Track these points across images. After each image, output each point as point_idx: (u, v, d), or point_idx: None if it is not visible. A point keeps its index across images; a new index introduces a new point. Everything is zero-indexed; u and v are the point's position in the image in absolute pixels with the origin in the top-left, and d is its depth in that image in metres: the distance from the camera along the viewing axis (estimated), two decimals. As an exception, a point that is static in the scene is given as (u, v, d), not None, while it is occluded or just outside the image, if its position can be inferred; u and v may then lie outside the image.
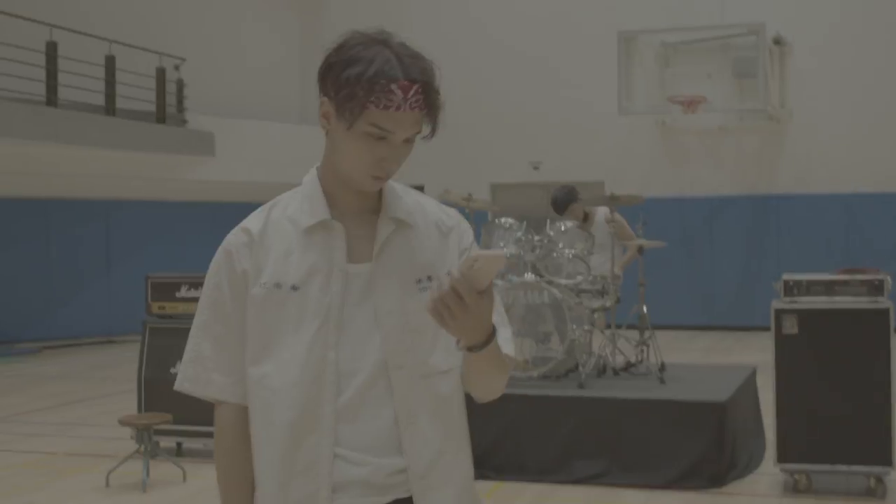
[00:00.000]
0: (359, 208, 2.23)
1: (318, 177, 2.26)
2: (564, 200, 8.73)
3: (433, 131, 2.18)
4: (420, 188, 16.62)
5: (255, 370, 2.20)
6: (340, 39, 2.15)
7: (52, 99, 14.67)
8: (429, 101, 2.13)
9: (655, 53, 17.31)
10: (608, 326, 8.27)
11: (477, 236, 7.93)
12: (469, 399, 2.32)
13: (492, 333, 2.11)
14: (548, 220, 8.23)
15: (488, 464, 7.12)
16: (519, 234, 8.01)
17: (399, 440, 2.15)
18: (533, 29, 18.34)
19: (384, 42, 2.13)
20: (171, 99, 17.02)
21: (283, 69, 19.88)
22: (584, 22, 17.98)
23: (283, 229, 2.22)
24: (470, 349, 2.10)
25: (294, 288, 2.17)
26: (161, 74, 16.72)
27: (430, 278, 2.22)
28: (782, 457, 6.74)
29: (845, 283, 6.76)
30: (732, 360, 12.77)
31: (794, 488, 6.83)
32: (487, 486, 6.97)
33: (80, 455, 8.21)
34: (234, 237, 2.25)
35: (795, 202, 17.18)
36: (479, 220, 8.33)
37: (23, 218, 16.15)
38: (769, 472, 7.10)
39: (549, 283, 7.91)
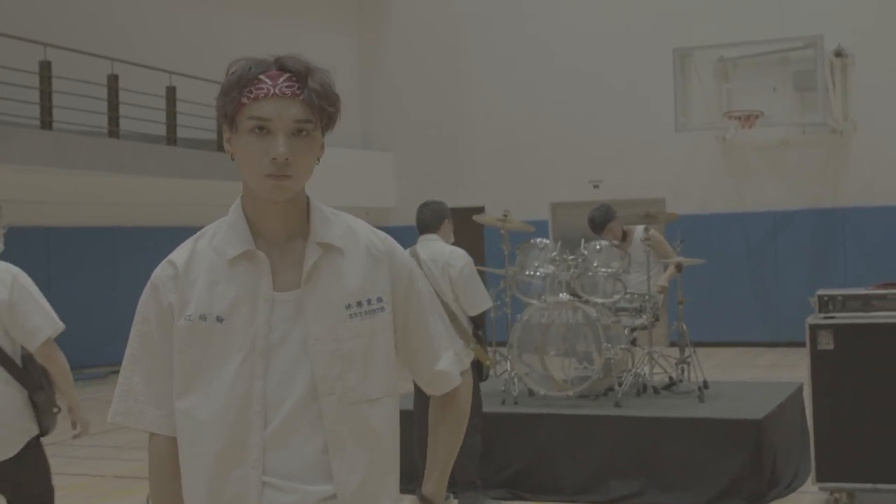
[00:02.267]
0: (285, 234, 2.22)
1: (242, 206, 2.25)
2: (602, 220, 8.69)
3: (327, 120, 2.18)
4: (480, 210, 16.70)
5: (181, 402, 2.21)
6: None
7: (113, 130, 15.03)
8: (306, 89, 2.13)
9: (713, 68, 17.17)
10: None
11: (512, 256, 7.97)
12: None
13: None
14: (582, 240, 8.21)
15: (524, 484, 7.11)
16: (554, 253, 8.00)
17: (328, 467, 2.15)
18: (590, 47, 18.30)
19: (266, 58, 2.18)
20: (232, 127, 17.30)
21: (343, 94, 19.80)
22: (642, 38, 17.89)
23: (209, 260, 2.23)
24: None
25: (219, 319, 2.17)
26: (222, 103, 17.01)
27: (359, 304, 2.21)
28: (821, 475, 6.59)
29: (882, 297, 6.62)
30: (795, 377, 12.55)
31: (834, 507, 6.70)
32: (522, 507, 6.94)
33: (127, 478, 8.37)
34: (160, 270, 2.27)
35: (861, 215, 16.85)
36: (515, 241, 8.32)
37: (89, 246, 16.53)
38: (810, 490, 6.96)
39: (585, 302, 7.88)
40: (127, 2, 17.10)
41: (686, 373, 8.26)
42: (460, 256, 6.71)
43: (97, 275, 16.60)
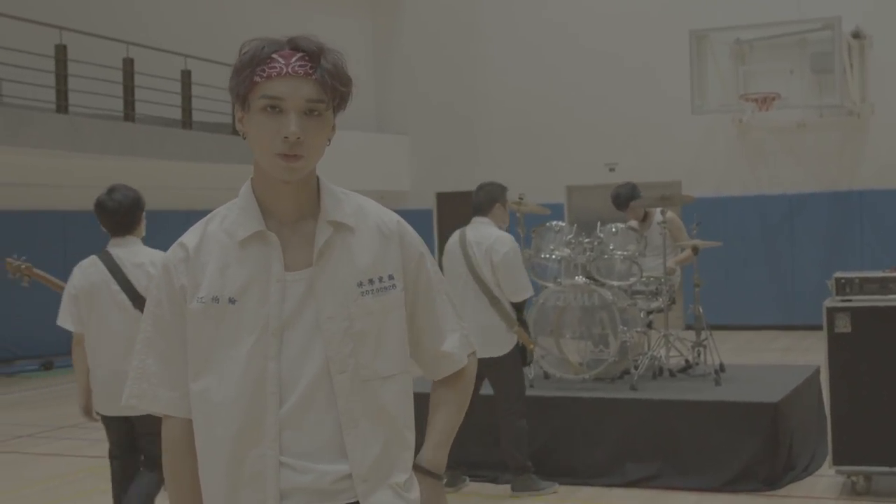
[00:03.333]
0: (296, 215, 2.22)
1: (252, 187, 2.26)
2: (627, 196, 8.68)
3: (339, 100, 2.18)
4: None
5: (195, 384, 2.21)
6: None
7: (129, 114, 15.05)
8: (319, 69, 2.14)
9: (730, 50, 17.08)
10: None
11: (528, 239, 7.95)
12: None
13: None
14: (598, 223, 8.19)
15: (540, 467, 7.10)
16: (569, 236, 7.98)
17: (343, 445, 2.16)
18: (606, 28, 18.21)
19: (279, 38, 2.18)
20: (247, 110, 17.32)
21: (357, 77, 19.91)
22: (658, 20, 17.79)
23: (220, 242, 2.23)
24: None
25: (231, 301, 2.18)
26: (236, 87, 17.04)
27: (371, 281, 2.22)
28: (838, 458, 6.59)
29: (899, 279, 6.59)
30: (811, 360, 12.52)
31: (851, 490, 6.69)
32: (537, 489, 6.95)
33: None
34: (171, 253, 2.27)
35: (878, 197, 16.74)
36: (531, 223, 8.31)
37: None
38: (827, 473, 6.95)
39: (601, 285, 7.87)
40: (142, -15, 17.10)
41: (702, 356, 8.24)
42: (504, 242, 6.72)
43: (113, 258, 16.63)
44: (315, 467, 2.14)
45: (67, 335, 5.52)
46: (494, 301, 6.68)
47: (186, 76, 16.04)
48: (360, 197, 2.33)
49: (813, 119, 17.12)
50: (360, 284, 2.21)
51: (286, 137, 2.10)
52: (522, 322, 6.80)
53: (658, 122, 17.87)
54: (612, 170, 18.17)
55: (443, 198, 19.89)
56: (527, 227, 8.28)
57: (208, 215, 2.31)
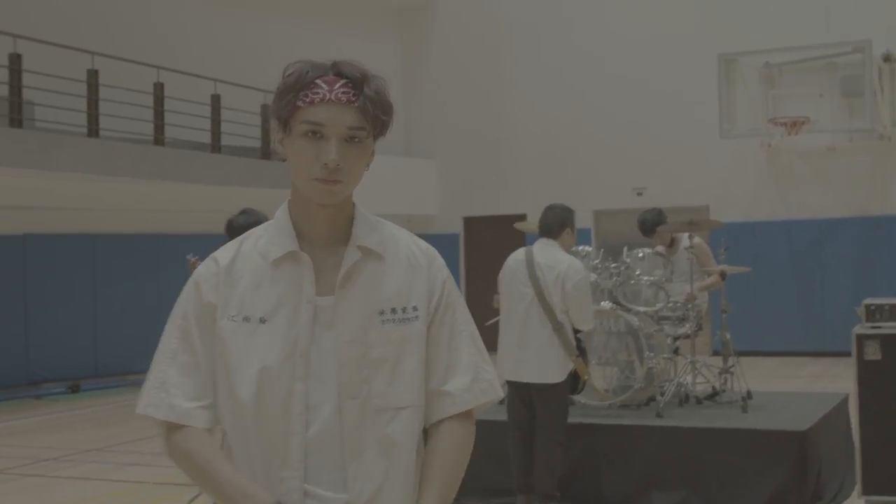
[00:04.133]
0: (330, 239, 2.23)
1: (288, 209, 2.27)
2: (653, 222, 8.62)
3: (380, 128, 2.20)
4: (523, 217, 16.65)
5: (225, 402, 2.20)
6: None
7: (159, 138, 15.16)
8: (362, 97, 2.14)
9: (759, 74, 17.01)
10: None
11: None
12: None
13: None
14: (625, 248, 8.15)
15: (565, 493, 7.04)
16: (596, 261, 7.94)
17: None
18: (634, 52, 18.21)
19: (324, 62, 2.18)
20: (276, 135, 17.41)
21: (385, 102, 20.13)
22: (686, 44, 17.77)
23: (253, 262, 2.23)
24: None
25: (262, 321, 2.17)
26: (266, 111, 17.14)
27: (393, 311, 2.21)
28: (867, 488, 6.52)
29: (930, 306, 6.52)
30: (840, 388, 12.39)
31: (881, 520, 6.59)
32: (561, 517, 6.89)
33: (167, 484, 8.41)
34: (203, 268, 2.28)
35: (909, 223, 16.60)
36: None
37: (134, 253, 16.67)
38: (856, 503, 6.85)
39: (627, 310, 7.82)
40: (171, 11, 17.25)
41: (729, 383, 8.16)
42: (578, 270, 6.70)
43: (141, 282, 16.73)
44: (320, 493, 2.13)
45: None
46: (558, 327, 6.64)
47: (216, 100, 16.16)
48: (394, 226, 2.33)
49: (842, 143, 17.01)
50: (382, 313, 2.20)
51: (326, 164, 2.12)
52: (582, 351, 6.78)
53: (686, 146, 17.81)
54: (639, 194, 18.12)
55: (470, 222, 19.91)
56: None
57: (243, 234, 2.33)
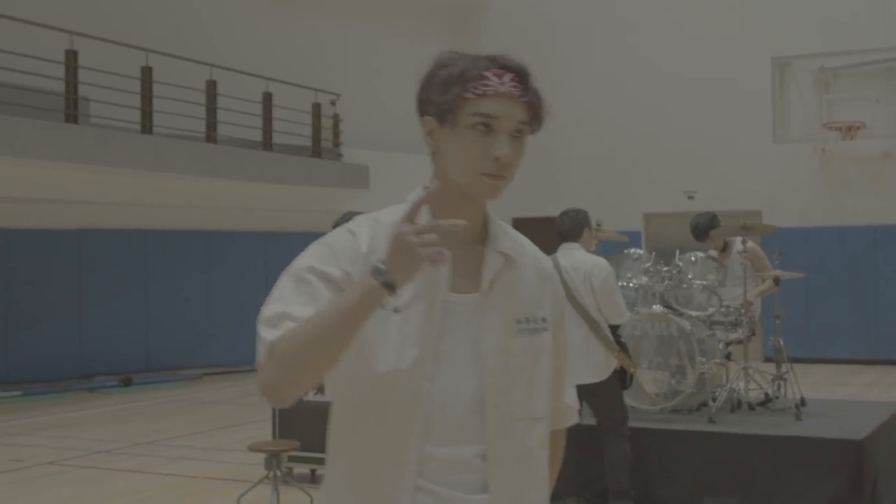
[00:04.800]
0: (464, 237, 2.12)
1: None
2: (706, 226, 8.54)
3: (538, 124, 2.14)
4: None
5: (358, 385, 2.11)
6: (429, 65, 2.16)
7: (211, 135, 15.28)
8: (526, 90, 2.11)
9: (814, 78, 16.83)
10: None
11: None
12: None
13: None
14: (677, 251, 8.08)
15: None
16: (647, 264, 7.88)
17: (485, 478, 2.11)
18: (687, 55, 18.07)
19: (481, 55, 2.15)
20: (326, 133, 17.51)
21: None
22: (740, 47, 17.60)
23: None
24: None
25: (397, 311, 2.08)
26: (317, 110, 17.23)
27: (528, 320, 2.19)
28: (924, 499, 6.39)
29: None
30: (895, 396, 12.23)
31: (938, 532, 6.48)
32: (611, 521, 6.84)
33: (217, 479, 8.47)
34: (340, 237, 2.15)
35: (965, 230, 16.34)
36: (609, 250, 8.22)
37: (186, 249, 16.82)
38: (913, 514, 6.75)
39: (679, 314, 7.75)
40: (223, 11, 17.38)
41: (782, 389, 8.07)
42: (603, 267, 6.70)
43: (193, 278, 16.88)
44: (455, 495, 2.08)
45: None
46: (595, 325, 6.63)
47: (267, 98, 16.26)
48: (518, 233, 2.30)
49: (898, 149, 16.78)
50: (519, 321, 2.17)
51: (497, 158, 2.07)
52: (622, 345, 6.76)
53: (739, 149, 17.65)
54: (690, 198, 17.95)
55: (520, 223, 19.87)
56: (604, 254, 8.20)
57: (373, 214, 2.22)
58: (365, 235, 2.13)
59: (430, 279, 2.09)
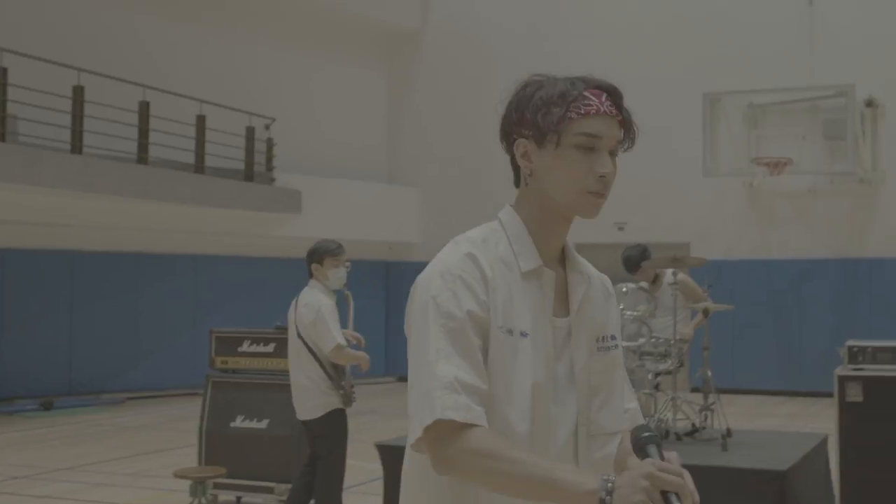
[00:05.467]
0: (552, 257, 2.19)
1: (522, 220, 2.20)
2: (638, 258, 8.63)
3: (631, 142, 2.18)
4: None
5: (498, 412, 2.05)
6: (515, 88, 2.22)
7: (143, 157, 15.10)
8: (623, 110, 2.15)
9: (743, 114, 17.14)
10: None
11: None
12: None
13: None
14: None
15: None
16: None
17: None
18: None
19: (568, 76, 2.18)
20: (259, 157, 17.40)
21: (370, 129, 20.18)
22: (672, 83, 17.87)
23: (502, 270, 2.12)
24: None
25: (523, 335, 2.08)
26: (251, 133, 17.13)
27: (603, 338, 2.21)
28: (847, 530, 6.50)
29: (912, 350, 6.54)
30: (815, 428, 12.42)
31: (859, 563, 6.57)
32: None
33: (141, 506, 8.32)
34: (465, 265, 2.09)
35: (886, 266, 16.71)
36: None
37: (113, 271, 16.56)
38: (834, 545, 6.84)
39: (610, 344, 7.79)
40: (159, 31, 17.22)
41: (709, 419, 8.14)
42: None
43: (119, 300, 16.62)
44: None
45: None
46: None
47: (201, 121, 16.12)
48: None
49: (824, 185, 17.13)
50: (597, 340, 2.20)
51: (602, 176, 2.09)
52: None
53: (669, 182, 17.89)
54: (620, 229, 18.16)
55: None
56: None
57: (468, 236, 2.19)
58: (483, 259, 2.11)
59: (539, 301, 2.12)
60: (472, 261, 2.10)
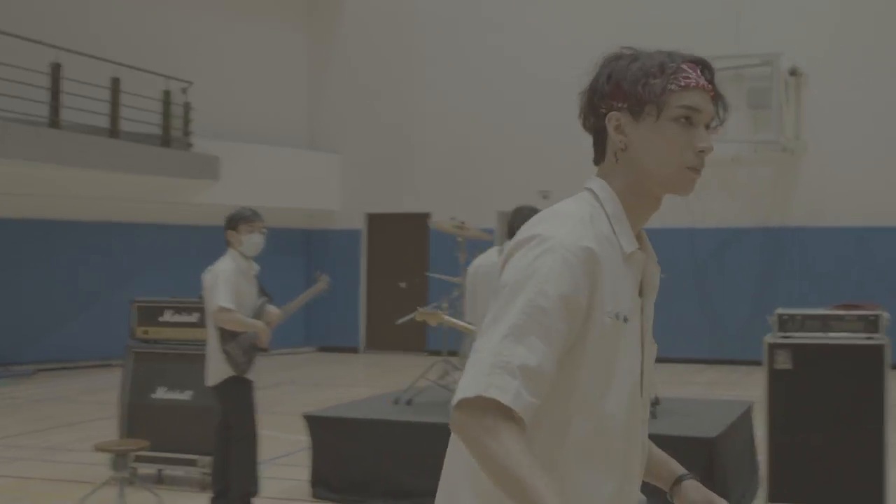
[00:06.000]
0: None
1: (618, 198, 2.07)
2: (521, 224, 8.50)
3: (721, 119, 2.08)
4: (426, 216, 16.48)
5: (599, 405, 1.96)
6: (602, 60, 2.16)
7: (54, 120, 14.61)
8: (714, 84, 2.07)
9: (667, 82, 17.12)
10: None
11: (468, 264, 7.75)
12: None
13: None
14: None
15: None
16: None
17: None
18: (548, 54, 18.17)
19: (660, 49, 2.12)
20: (176, 122, 16.95)
21: (291, 93, 19.77)
22: (600, 49, 17.65)
23: (608, 252, 1.98)
24: None
25: (626, 319, 1.98)
26: (167, 97, 16.66)
27: (650, 323, 2.16)
28: (773, 495, 6.51)
29: (840, 318, 6.54)
30: (737, 395, 12.49)
31: (786, 529, 6.57)
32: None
33: (56, 481, 8.01)
34: (573, 238, 1.94)
35: (809, 235, 16.89)
36: (472, 249, 8.10)
37: (24, 239, 16.05)
38: (761, 511, 6.84)
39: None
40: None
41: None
42: None
43: (31, 269, 16.11)
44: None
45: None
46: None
47: (116, 84, 15.64)
48: None
49: (747, 154, 17.22)
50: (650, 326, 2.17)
51: (701, 150, 2.02)
52: None
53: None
54: (545, 197, 18.06)
55: (373, 218, 19.66)
56: (468, 252, 8.08)
57: (571, 211, 2.03)
58: (596, 245, 1.95)
59: (634, 283, 2.04)
60: (587, 242, 1.94)
